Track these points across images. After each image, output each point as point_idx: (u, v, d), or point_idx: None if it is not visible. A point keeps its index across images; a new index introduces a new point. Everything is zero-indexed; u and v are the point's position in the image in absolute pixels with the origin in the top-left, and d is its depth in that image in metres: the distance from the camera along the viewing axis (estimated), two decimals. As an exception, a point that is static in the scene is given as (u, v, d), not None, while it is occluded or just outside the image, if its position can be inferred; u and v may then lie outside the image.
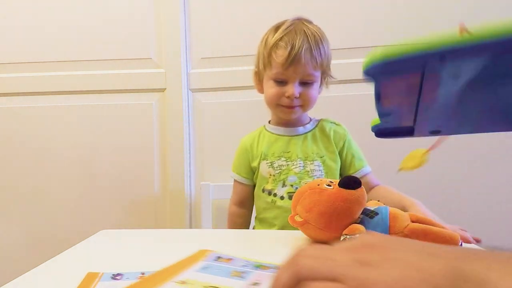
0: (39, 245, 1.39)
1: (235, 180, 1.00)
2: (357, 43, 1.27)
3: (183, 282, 0.41)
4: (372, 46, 1.27)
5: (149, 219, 1.37)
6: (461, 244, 0.55)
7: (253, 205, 1.00)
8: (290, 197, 0.88)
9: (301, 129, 0.95)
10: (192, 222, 1.36)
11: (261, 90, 0.96)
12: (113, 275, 0.47)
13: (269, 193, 0.91)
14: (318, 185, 0.60)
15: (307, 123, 0.96)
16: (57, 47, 1.38)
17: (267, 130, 0.98)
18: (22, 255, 1.40)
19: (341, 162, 0.94)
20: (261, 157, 0.93)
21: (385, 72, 0.29)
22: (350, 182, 0.57)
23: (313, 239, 0.61)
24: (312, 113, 0.99)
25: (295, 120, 0.94)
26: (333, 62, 0.93)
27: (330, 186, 0.58)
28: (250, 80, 1.29)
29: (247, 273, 0.43)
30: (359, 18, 1.27)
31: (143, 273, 0.47)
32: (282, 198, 0.89)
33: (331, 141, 0.93)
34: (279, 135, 0.95)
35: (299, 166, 0.90)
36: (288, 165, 0.91)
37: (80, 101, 1.39)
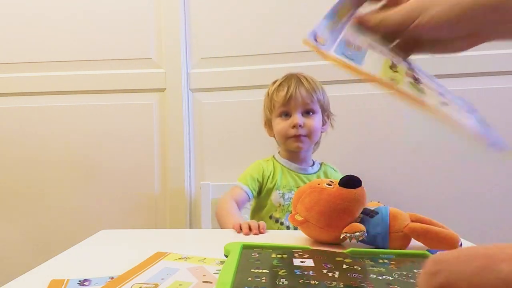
0: (39, 245, 1.39)
1: (237, 186, 1.03)
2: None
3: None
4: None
5: (149, 219, 1.37)
6: (461, 245, 0.55)
7: (242, 210, 1.04)
8: (295, 228, 0.90)
9: (309, 169, 1.05)
10: (192, 222, 1.36)
11: (272, 134, 1.07)
12: (79, 281, 0.44)
13: (276, 221, 1.00)
14: (319, 184, 0.60)
15: (313, 165, 1.07)
16: (57, 47, 1.38)
17: (278, 162, 1.06)
18: (22, 255, 1.40)
19: None
20: (275, 185, 1.01)
21: None
22: (350, 181, 0.57)
23: (313, 238, 0.61)
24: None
25: (303, 159, 1.04)
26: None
27: (331, 185, 0.58)
28: (250, 80, 1.30)
29: None
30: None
31: (111, 277, 0.44)
32: (288, 227, 0.97)
33: None
34: (290, 169, 1.04)
35: None
36: None
37: (80, 101, 1.38)
